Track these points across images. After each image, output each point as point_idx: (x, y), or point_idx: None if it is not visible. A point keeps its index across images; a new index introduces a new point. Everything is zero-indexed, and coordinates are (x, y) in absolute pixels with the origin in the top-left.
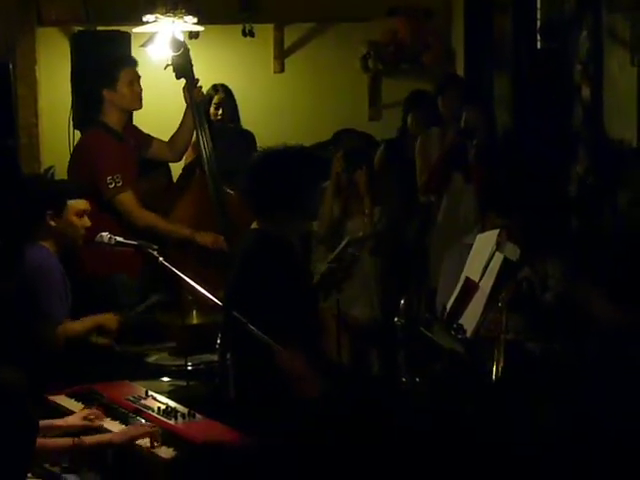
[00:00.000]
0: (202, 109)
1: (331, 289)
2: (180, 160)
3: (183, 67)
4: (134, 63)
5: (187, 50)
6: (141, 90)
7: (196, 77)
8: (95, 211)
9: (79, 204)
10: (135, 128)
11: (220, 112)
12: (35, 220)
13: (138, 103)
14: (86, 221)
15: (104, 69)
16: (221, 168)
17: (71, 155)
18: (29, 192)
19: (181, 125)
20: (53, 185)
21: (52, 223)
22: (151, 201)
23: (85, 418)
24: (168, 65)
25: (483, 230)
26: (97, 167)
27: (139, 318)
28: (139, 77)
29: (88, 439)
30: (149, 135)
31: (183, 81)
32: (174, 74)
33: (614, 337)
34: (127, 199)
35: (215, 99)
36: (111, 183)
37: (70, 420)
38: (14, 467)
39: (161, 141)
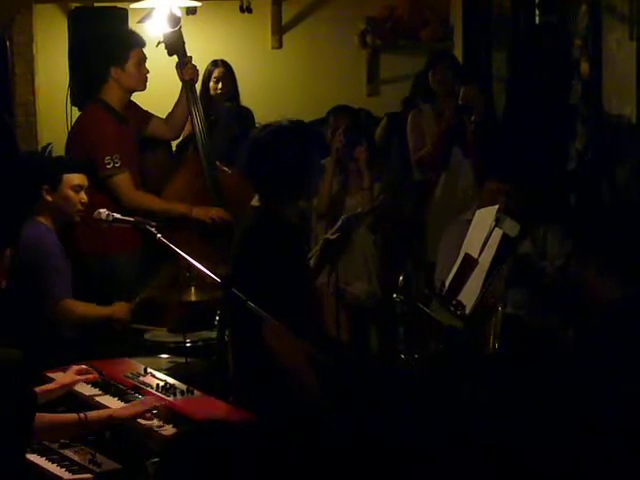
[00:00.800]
0: (194, 86)
1: (325, 263)
2: (178, 137)
3: (175, 44)
4: (144, 44)
5: (179, 27)
6: (148, 72)
7: (188, 54)
8: (92, 189)
9: (75, 178)
10: (135, 105)
11: (220, 86)
12: (31, 195)
13: (143, 85)
14: (83, 196)
15: (113, 46)
16: (220, 147)
17: (69, 131)
18: (24, 167)
19: (177, 103)
20: (48, 160)
21: (48, 198)
22: (153, 178)
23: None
24: (160, 42)
25: (481, 202)
26: (96, 146)
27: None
28: (146, 58)
29: (94, 413)
30: (148, 112)
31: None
32: (166, 51)
33: (612, 313)
34: (123, 181)
35: (215, 73)
36: (109, 163)
37: (61, 379)
38: (13, 443)
39: (160, 119)
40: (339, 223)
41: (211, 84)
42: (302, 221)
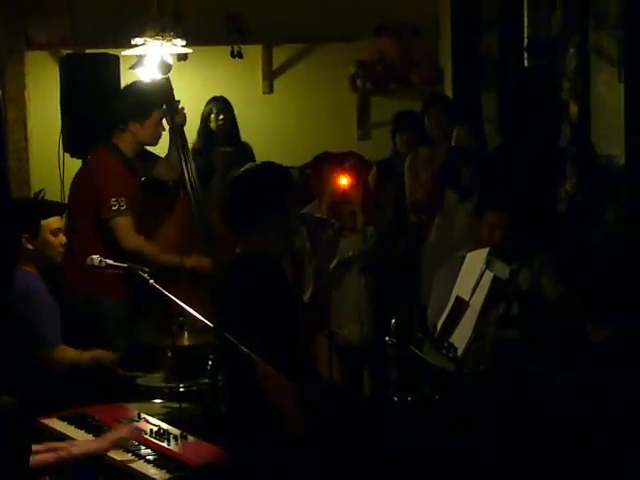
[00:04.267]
0: (184, 132)
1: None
2: (176, 177)
3: (164, 92)
4: (171, 103)
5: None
6: (164, 129)
7: (177, 99)
8: (89, 232)
9: (53, 223)
10: (145, 151)
11: (221, 117)
12: (15, 245)
13: (156, 142)
14: (62, 238)
15: (139, 101)
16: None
17: (77, 172)
18: (10, 215)
19: (171, 145)
20: (25, 207)
21: (29, 246)
22: (149, 220)
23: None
24: None
25: (479, 235)
26: (103, 187)
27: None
28: (166, 115)
29: (73, 449)
30: (156, 155)
31: None
32: None
33: (600, 356)
34: (125, 223)
35: (214, 107)
36: (114, 205)
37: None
38: None
39: (163, 160)
40: (332, 265)
41: (211, 116)
42: (295, 262)
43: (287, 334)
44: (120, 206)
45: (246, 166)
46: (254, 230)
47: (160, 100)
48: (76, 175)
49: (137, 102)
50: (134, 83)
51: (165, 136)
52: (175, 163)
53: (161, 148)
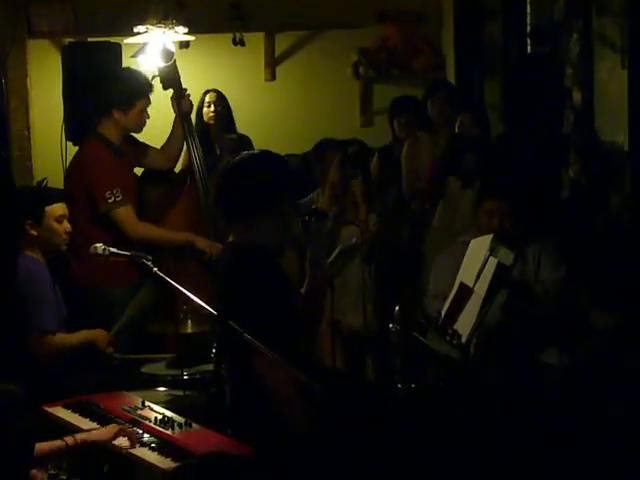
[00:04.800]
0: (190, 119)
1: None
2: (174, 167)
3: (170, 78)
4: (151, 91)
5: (174, 60)
6: (148, 117)
7: (184, 87)
8: (88, 223)
9: (57, 209)
10: (131, 138)
11: (212, 109)
12: (16, 232)
13: (141, 129)
14: (66, 225)
15: (122, 91)
16: None
17: (68, 166)
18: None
19: (171, 135)
20: (29, 194)
21: (33, 232)
22: (153, 211)
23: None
24: (155, 76)
25: (479, 222)
26: (96, 181)
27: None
28: (150, 104)
29: (78, 436)
30: (144, 145)
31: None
32: (161, 85)
33: (603, 343)
34: (126, 213)
35: (207, 98)
36: (110, 197)
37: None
38: (14, 477)
39: (156, 150)
40: (334, 253)
41: (204, 109)
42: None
43: (283, 324)
44: (116, 197)
45: (241, 154)
46: (245, 220)
47: (145, 90)
48: (68, 169)
49: (121, 92)
50: (120, 71)
51: (165, 127)
52: (174, 151)
53: (162, 136)
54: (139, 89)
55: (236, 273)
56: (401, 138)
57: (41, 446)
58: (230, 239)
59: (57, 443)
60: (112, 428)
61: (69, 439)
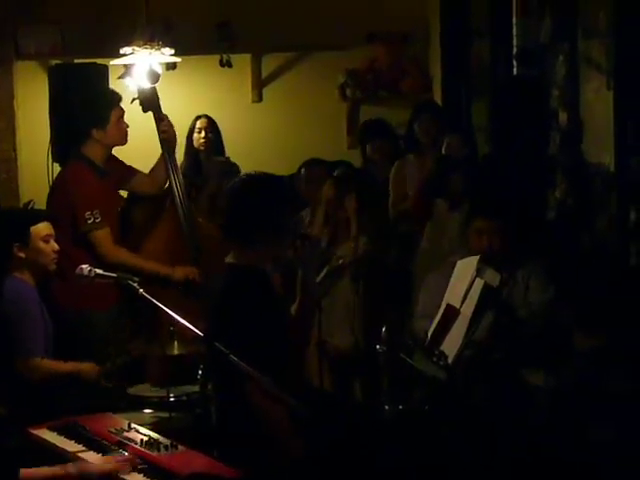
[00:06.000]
0: (170, 142)
1: None
2: (158, 192)
3: (149, 101)
4: (121, 99)
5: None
6: (127, 126)
7: (170, 109)
8: (70, 243)
9: (42, 229)
10: (117, 160)
11: (202, 135)
12: (3, 256)
13: (124, 139)
14: (54, 244)
15: (94, 109)
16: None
17: (51, 186)
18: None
19: (159, 159)
20: (13, 216)
21: (21, 255)
22: (136, 231)
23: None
24: (135, 99)
25: (468, 242)
26: (76, 201)
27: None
28: (124, 113)
29: (74, 467)
30: (131, 168)
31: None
32: (141, 107)
33: (586, 364)
34: (103, 236)
35: (198, 124)
36: (89, 218)
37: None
38: None
39: (143, 174)
40: (322, 273)
41: (195, 135)
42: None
43: (276, 347)
44: (95, 219)
45: (247, 175)
46: (251, 242)
47: (113, 100)
48: (50, 190)
49: (94, 110)
50: (87, 93)
51: (152, 151)
52: (160, 176)
53: (148, 158)
54: (108, 101)
55: (234, 294)
56: (375, 160)
57: (29, 472)
58: (229, 260)
59: (53, 470)
60: (110, 465)
61: (64, 468)
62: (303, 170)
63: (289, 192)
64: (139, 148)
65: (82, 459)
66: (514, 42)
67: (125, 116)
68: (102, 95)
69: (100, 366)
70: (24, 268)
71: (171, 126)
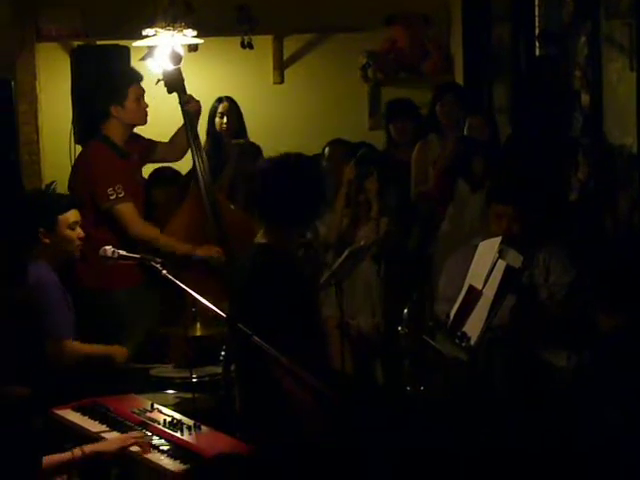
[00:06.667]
0: (195, 124)
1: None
2: (181, 159)
3: (174, 82)
4: (141, 78)
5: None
6: (147, 106)
7: (190, 91)
8: (91, 224)
9: (70, 216)
10: (137, 136)
11: (225, 120)
12: (28, 240)
13: (144, 119)
14: (79, 231)
15: (112, 85)
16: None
17: (72, 167)
18: (20, 213)
19: (179, 129)
20: (41, 201)
21: (46, 240)
22: (161, 214)
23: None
24: (160, 80)
25: (487, 225)
26: (98, 179)
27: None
28: (144, 92)
29: (86, 448)
30: (151, 141)
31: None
32: (166, 89)
33: (610, 343)
34: (128, 210)
35: (220, 108)
36: (112, 194)
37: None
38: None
39: (163, 143)
40: (343, 255)
41: (217, 119)
42: (310, 252)
43: (302, 329)
44: (118, 194)
45: (279, 155)
46: (282, 222)
47: (131, 77)
48: (72, 170)
49: (111, 85)
50: (104, 71)
51: (173, 129)
52: (181, 145)
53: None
54: (126, 78)
55: (264, 274)
56: (398, 142)
57: (49, 459)
58: (259, 239)
59: (65, 456)
60: (120, 441)
61: (77, 451)
62: (327, 149)
63: (321, 173)
64: (162, 133)
65: (105, 439)
66: (536, 22)
67: (150, 102)
68: (117, 73)
69: (128, 348)
70: (47, 254)
71: (197, 101)
